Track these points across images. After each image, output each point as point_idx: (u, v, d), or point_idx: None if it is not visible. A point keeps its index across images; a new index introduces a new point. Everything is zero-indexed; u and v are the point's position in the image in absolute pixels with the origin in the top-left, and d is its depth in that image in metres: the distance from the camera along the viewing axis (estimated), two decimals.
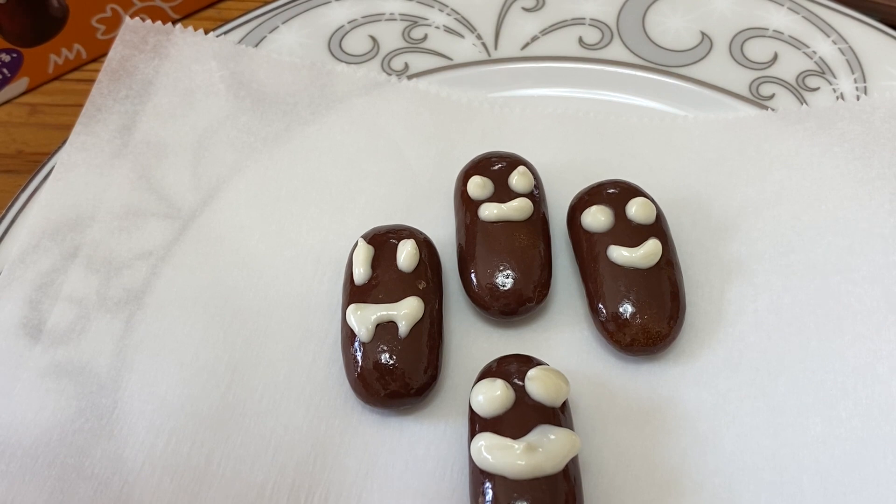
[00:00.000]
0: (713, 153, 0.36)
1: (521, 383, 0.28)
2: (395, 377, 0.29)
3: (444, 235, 0.33)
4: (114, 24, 0.42)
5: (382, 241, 0.32)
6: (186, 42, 0.39)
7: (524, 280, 0.31)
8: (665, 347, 0.31)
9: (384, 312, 0.30)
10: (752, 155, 0.36)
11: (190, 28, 0.39)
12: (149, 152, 0.36)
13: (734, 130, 0.36)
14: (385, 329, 0.29)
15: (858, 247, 0.33)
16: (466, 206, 0.33)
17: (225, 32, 0.40)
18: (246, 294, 0.33)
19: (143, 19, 0.39)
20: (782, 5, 0.40)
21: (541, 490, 0.26)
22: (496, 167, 0.33)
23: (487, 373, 0.29)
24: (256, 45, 0.39)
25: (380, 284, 0.30)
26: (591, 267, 0.31)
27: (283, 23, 0.40)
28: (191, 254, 0.34)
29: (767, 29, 0.39)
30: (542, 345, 0.32)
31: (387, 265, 0.31)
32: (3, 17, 0.39)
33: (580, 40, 0.39)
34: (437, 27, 0.40)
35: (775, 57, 0.38)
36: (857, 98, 0.37)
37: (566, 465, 0.27)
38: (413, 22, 0.40)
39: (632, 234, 0.31)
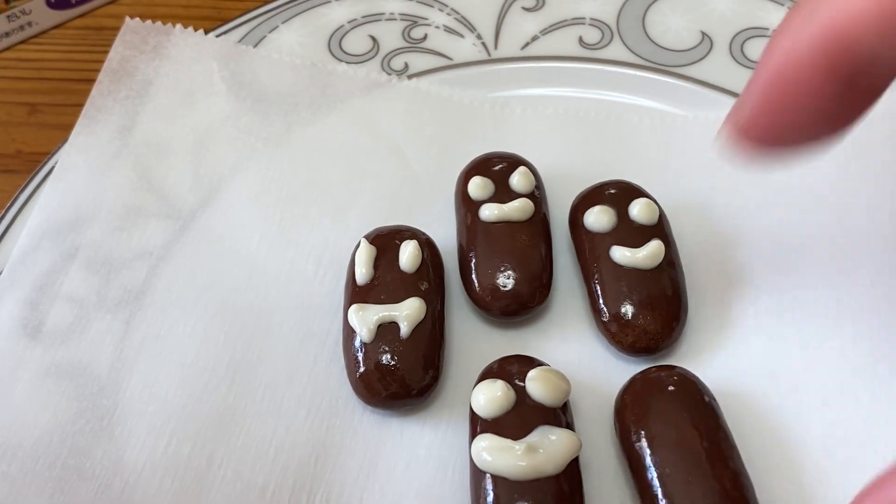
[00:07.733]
0: (714, 153, 0.36)
1: (521, 384, 0.28)
2: (397, 378, 0.29)
3: (445, 236, 0.33)
4: None
5: (385, 241, 0.32)
6: (186, 42, 0.39)
7: (525, 281, 0.31)
8: (667, 348, 0.31)
9: (386, 313, 0.30)
10: None
11: (190, 28, 0.39)
12: (149, 152, 0.36)
13: None
14: (386, 329, 0.29)
15: (858, 247, 0.33)
16: (467, 206, 0.33)
17: (225, 32, 0.40)
18: (247, 294, 0.33)
19: (144, 19, 0.39)
20: (782, 5, 0.40)
21: (542, 491, 0.26)
22: (497, 167, 0.33)
23: (488, 373, 0.29)
24: (256, 45, 0.39)
25: (382, 285, 0.30)
26: (594, 267, 0.31)
27: (283, 23, 0.40)
28: (191, 254, 0.34)
29: (768, 29, 0.39)
30: (543, 345, 0.32)
31: (389, 265, 0.31)
32: None
33: (580, 40, 0.39)
34: (437, 27, 0.40)
35: None
36: None
37: (567, 466, 0.27)
38: (413, 22, 0.40)
39: (634, 234, 0.31)
